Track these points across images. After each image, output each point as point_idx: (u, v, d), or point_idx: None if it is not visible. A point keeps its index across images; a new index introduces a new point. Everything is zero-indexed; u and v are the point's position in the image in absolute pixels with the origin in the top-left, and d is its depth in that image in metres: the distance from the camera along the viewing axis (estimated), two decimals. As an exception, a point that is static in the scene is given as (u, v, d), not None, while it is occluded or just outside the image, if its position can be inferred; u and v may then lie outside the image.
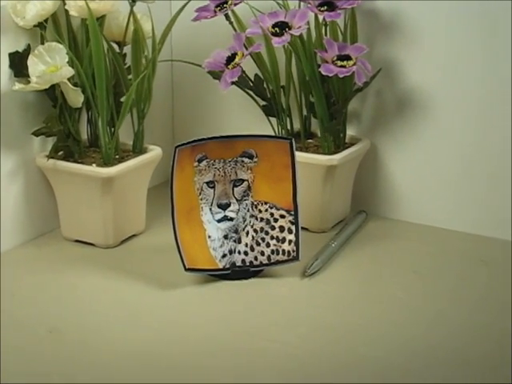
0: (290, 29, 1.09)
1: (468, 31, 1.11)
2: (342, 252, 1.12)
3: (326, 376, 0.87)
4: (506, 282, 1.04)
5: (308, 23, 1.09)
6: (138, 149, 1.15)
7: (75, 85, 1.07)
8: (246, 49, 1.13)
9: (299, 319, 0.97)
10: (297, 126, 1.20)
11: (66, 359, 0.89)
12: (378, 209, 1.23)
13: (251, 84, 1.18)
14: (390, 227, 1.20)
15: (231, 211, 1.06)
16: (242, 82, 1.16)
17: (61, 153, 1.11)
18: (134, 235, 1.16)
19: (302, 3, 1.13)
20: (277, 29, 1.09)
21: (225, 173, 1.05)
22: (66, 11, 1.07)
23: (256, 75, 1.18)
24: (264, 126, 1.20)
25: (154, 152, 1.15)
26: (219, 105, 1.30)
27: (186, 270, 1.03)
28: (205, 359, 0.90)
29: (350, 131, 1.20)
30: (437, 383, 0.85)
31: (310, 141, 1.20)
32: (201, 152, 1.04)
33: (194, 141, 1.03)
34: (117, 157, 1.12)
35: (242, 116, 1.28)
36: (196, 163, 1.05)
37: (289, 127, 1.19)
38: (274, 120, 1.19)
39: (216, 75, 1.17)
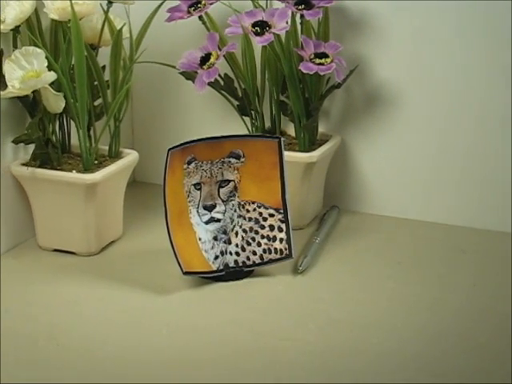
0: (270, 28, 1.09)
1: (435, 28, 1.15)
2: (325, 247, 1.13)
3: (345, 369, 0.88)
4: (485, 269, 1.08)
5: (287, 22, 1.10)
6: (114, 153, 1.13)
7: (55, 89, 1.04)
8: (220, 49, 1.13)
9: (305, 316, 0.98)
10: (267, 124, 1.21)
11: (73, 371, 0.88)
12: (349, 203, 1.24)
13: (222, 84, 1.18)
14: (364, 221, 1.22)
15: (217, 212, 1.06)
16: (215, 83, 1.16)
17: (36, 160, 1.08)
18: (112, 241, 1.14)
19: (270, 2, 1.14)
20: (257, 28, 1.09)
21: (211, 174, 1.05)
22: (37, 14, 1.05)
23: (226, 75, 1.18)
24: (233, 126, 1.20)
25: (132, 156, 1.13)
26: (184, 107, 1.29)
27: (184, 273, 1.02)
28: (224, 362, 0.89)
29: (320, 128, 1.21)
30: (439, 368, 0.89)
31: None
32: (190, 154, 1.04)
33: (185, 143, 1.03)
34: (95, 162, 1.10)
35: (210, 117, 1.27)
36: (185, 165, 1.04)
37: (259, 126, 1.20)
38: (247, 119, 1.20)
39: (189, 76, 1.16)
